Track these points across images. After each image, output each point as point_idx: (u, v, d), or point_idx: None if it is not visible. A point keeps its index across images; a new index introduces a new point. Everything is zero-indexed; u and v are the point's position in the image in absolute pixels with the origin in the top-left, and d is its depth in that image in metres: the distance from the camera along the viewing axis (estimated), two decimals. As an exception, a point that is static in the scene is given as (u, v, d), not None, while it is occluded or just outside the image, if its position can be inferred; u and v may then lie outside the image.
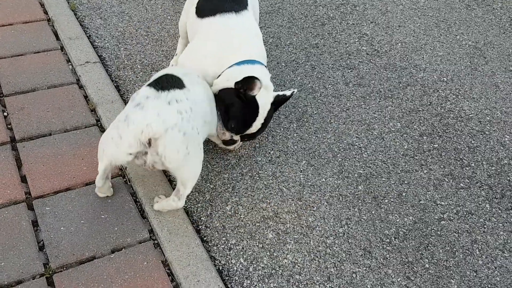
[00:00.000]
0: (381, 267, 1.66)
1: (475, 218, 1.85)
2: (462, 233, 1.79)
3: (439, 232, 1.79)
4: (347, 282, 1.61)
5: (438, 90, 2.52)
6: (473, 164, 2.09)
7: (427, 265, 1.67)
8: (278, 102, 1.92)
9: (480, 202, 1.92)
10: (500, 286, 1.62)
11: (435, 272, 1.65)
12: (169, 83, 1.60)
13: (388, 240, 1.75)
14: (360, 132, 2.24)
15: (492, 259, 1.71)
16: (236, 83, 1.78)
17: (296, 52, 2.76)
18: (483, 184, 2.00)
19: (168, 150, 1.50)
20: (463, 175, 2.03)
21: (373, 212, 1.86)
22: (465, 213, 1.87)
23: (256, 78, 1.72)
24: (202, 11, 2.02)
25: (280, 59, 2.70)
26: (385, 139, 2.21)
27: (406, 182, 1.99)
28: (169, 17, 2.97)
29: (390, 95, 2.48)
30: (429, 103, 2.43)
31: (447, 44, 2.91)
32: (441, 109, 2.40)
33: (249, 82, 1.74)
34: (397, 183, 1.99)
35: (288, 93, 1.92)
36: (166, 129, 1.47)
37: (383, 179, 2.00)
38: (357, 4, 3.28)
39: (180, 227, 1.68)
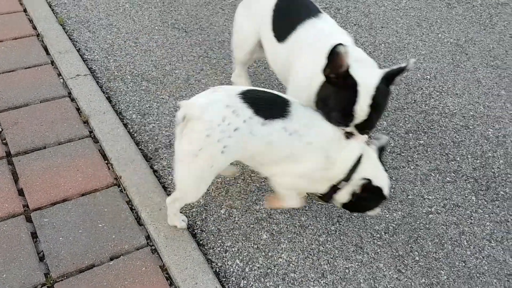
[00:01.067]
0: (372, 261, 1.71)
1: (462, 210, 1.92)
2: (450, 225, 1.85)
3: (427, 226, 1.85)
4: (340, 277, 1.66)
5: (422, 88, 2.59)
6: (458, 158, 2.16)
7: (417, 258, 1.73)
8: (390, 77, 1.51)
9: (466, 195, 1.98)
10: (488, 274, 1.68)
11: (425, 264, 1.71)
12: (263, 102, 1.50)
13: (378, 235, 1.81)
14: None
15: (480, 249, 1.77)
16: (324, 70, 1.51)
17: (283, 57, 2.82)
18: (468, 177, 2.06)
19: (186, 135, 1.46)
20: (449, 169, 2.10)
21: (363, 209, 1.92)
22: (452, 206, 1.93)
23: (338, 45, 1.42)
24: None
25: (267, 65, 2.75)
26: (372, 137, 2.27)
27: (394, 179, 2.05)
28: (156, 27, 3.02)
29: (376, 95, 2.55)
30: (413, 101, 2.50)
31: (429, 42, 2.98)
32: (425, 106, 2.47)
33: (332, 55, 1.45)
34: (385, 180, 2.05)
35: (403, 65, 1.50)
36: (198, 118, 1.43)
37: (372, 176, 2.06)
38: (340, 7, 3.36)
39: (176, 232, 1.72)
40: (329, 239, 1.79)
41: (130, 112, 2.34)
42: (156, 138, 2.19)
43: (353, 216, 1.88)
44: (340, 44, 1.43)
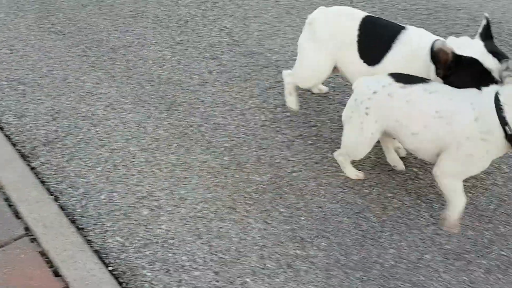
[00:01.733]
0: (243, 218, 1.93)
1: (320, 166, 2.19)
2: (310, 180, 2.12)
3: (291, 182, 2.10)
4: (214, 236, 1.85)
5: (289, 68, 2.87)
6: (319, 124, 2.45)
7: (281, 210, 1.97)
8: (485, 34, 1.78)
9: (324, 153, 2.27)
10: (341, 215, 1.96)
11: (288, 214, 1.95)
12: (405, 76, 1.77)
13: (249, 196, 2.03)
14: (224, 112, 2.51)
15: (334, 195, 2.05)
16: (437, 74, 1.74)
17: (162, 50, 2.96)
18: (327, 139, 2.36)
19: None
20: (310, 134, 2.38)
21: (237, 176, 2.13)
22: (312, 163, 2.21)
23: (434, 42, 1.69)
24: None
25: (147, 57, 2.88)
26: (245, 115, 2.50)
27: (264, 147, 2.29)
28: (33, 33, 3.02)
29: (249, 78, 2.78)
30: (282, 80, 2.77)
31: (297, 27, 3.29)
32: (292, 82, 2.74)
33: (435, 54, 1.69)
34: (256, 149, 2.28)
35: (484, 21, 1.80)
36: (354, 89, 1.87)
37: (245, 148, 2.28)
38: (216, 1, 3.57)
39: (54, 221, 1.80)
40: (206, 206, 1.97)
41: (6, 116, 2.35)
42: (33, 137, 2.23)
43: (228, 183, 2.09)
44: (436, 40, 1.70)
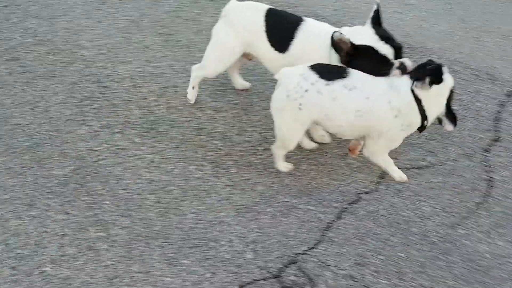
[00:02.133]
0: (43, 213, 1.91)
1: (127, 151, 2.27)
2: (115, 166, 2.18)
3: (95, 171, 2.14)
4: (11, 234, 1.81)
5: (97, 62, 2.88)
6: (127, 112, 2.51)
7: (83, 198, 2.00)
8: (375, 21, 2.05)
9: (131, 139, 2.34)
10: (145, 192, 2.06)
11: (91, 201, 1.99)
12: (326, 70, 1.96)
13: (50, 190, 2.01)
14: (24, 112, 2.42)
15: (140, 176, 2.15)
16: (341, 60, 2.00)
17: (-49, 57, 2.72)
18: (135, 125, 2.43)
19: (274, 96, 2.04)
20: (117, 122, 2.43)
21: (37, 173, 2.09)
22: (118, 150, 2.27)
23: (333, 34, 1.99)
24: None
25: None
26: (49, 111, 2.45)
27: (68, 141, 2.28)
28: None
29: (54, 75, 2.72)
30: (89, 74, 2.76)
31: (106, 22, 3.29)
32: (100, 76, 2.76)
33: (335, 44, 1.99)
34: (59, 144, 2.26)
35: (375, 7, 2.07)
36: (281, 84, 2.00)
37: (47, 144, 2.25)
38: (19, 3, 3.38)
39: None
40: (2, 207, 1.91)
41: None
42: None
43: (27, 182, 2.04)
44: (334, 32, 2.00)
